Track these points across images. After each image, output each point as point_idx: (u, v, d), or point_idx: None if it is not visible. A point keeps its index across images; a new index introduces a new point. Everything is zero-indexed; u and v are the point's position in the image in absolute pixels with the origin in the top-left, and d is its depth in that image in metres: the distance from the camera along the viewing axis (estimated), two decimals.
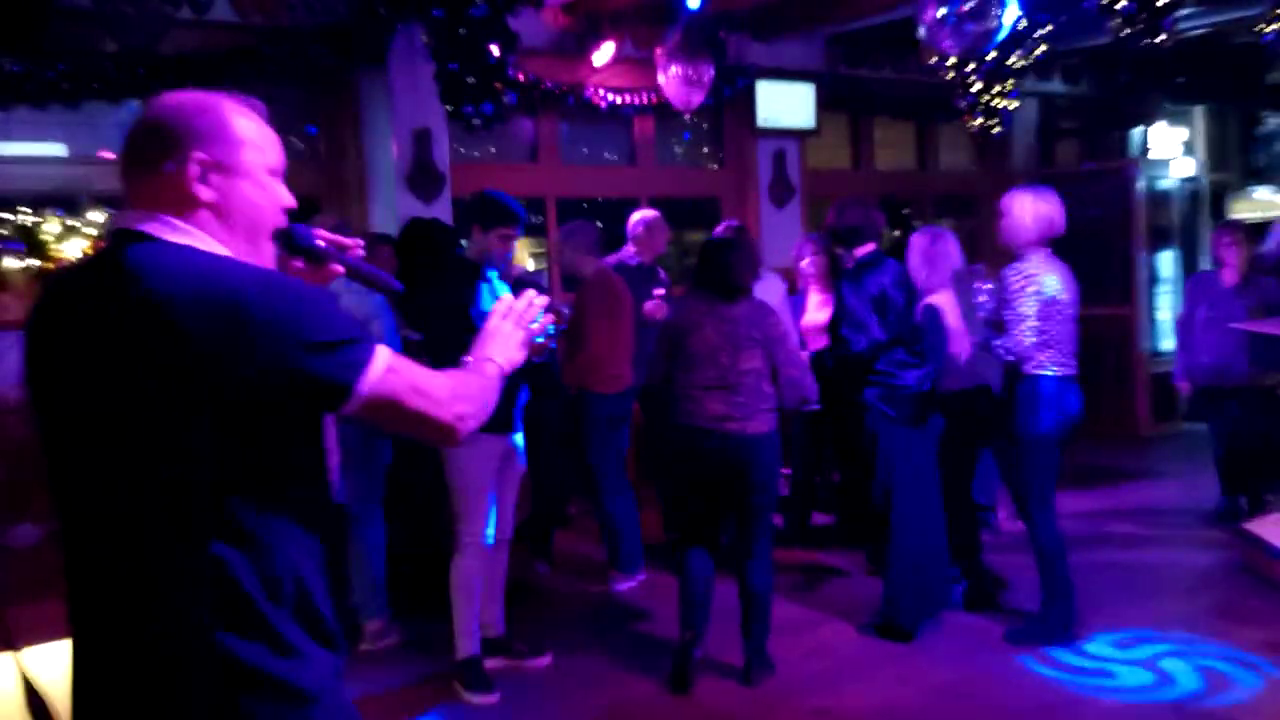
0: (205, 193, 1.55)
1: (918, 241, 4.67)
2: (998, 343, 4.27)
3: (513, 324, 1.86)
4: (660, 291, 5.50)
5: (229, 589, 1.46)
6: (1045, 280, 4.24)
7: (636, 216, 5.84)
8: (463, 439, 1.65)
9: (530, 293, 1.91)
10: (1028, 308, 4.19)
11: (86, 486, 1.53)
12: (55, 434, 1.57)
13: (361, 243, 1.85)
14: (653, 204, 7.28)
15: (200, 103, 1.60)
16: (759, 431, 4.01)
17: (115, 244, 1.51)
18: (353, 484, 4.50)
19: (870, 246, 4.74)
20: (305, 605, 1.55)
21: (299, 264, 1.78)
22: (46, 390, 1.55)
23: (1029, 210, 4.31)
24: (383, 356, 1.54)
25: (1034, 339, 4.19)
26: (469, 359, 1.78)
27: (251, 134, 1.61)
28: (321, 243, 1.77)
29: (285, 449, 1.54)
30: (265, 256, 1.64)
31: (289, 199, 1.67)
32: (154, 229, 1.52)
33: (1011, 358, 4.24)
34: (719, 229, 5.73)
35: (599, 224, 5.78)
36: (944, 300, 4.51)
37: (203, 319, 1.41)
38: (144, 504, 1.46)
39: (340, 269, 1.79)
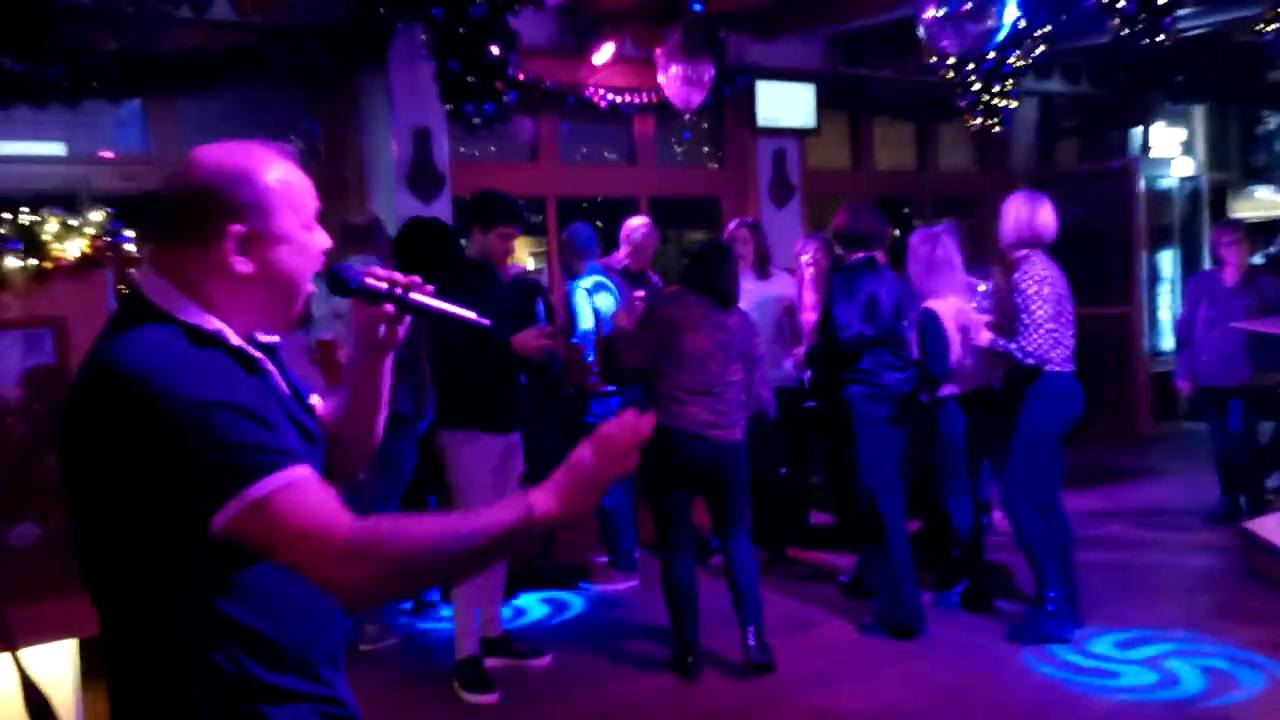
0: (243, 265, 1.47)
1: (918, 246, 4.68)
2: (1014, 346, 4.26)
3: (609, 463, 1.48)
4: (640, 294, 5.50)
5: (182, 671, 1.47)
6: (1050, 278, 4.28)
7: (635, 222, 5.83)
8: (356, 603, 1.45)
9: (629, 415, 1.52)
10: (1044, 310, 4.21)
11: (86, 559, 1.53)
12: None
13: (418, 281, 1.67)
14: (653, 204, 7.29)
15: (236, 169, 1.47)
16: (738, 439, 4.18)
17: (123, 308, 1.51)
18: (373, 489, 4.50)
19: (871, 253, 4.71)
20: (300, 663, 1.52)
21: (359, 310, 1.69)
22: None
23: (1010, 212, 4.39)
24: (289, 476, 1.37)
25: (1049, 343, 4.22)
26: (515, 501, 1.44)
27: (288, 193, 1.51)
28: (372, 281, 1.64)
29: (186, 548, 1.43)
30: (295, 310, 1.57)
31: (326, 240, 1.57)
32: (161, 302, 1.48)
33: (1031, 361, 4.23)
34: (732, 225, 5.70)
35: (599, 224, 5.78)
36: (944, 306, 4.52)
37: (96, 412, 1.40)
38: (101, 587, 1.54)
39: (390, 308, 1.66)
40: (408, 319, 1.70)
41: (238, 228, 1.45)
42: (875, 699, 3.96)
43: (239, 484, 1.33)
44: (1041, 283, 4.24)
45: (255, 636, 1.45)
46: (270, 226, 1.48)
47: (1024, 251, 4.35)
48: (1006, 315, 4.40)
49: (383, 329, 1.69)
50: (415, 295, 1.66)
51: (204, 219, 1.45)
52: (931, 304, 4.53)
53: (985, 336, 4.43)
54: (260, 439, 1.36)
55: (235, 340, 1.47)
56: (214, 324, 1.46)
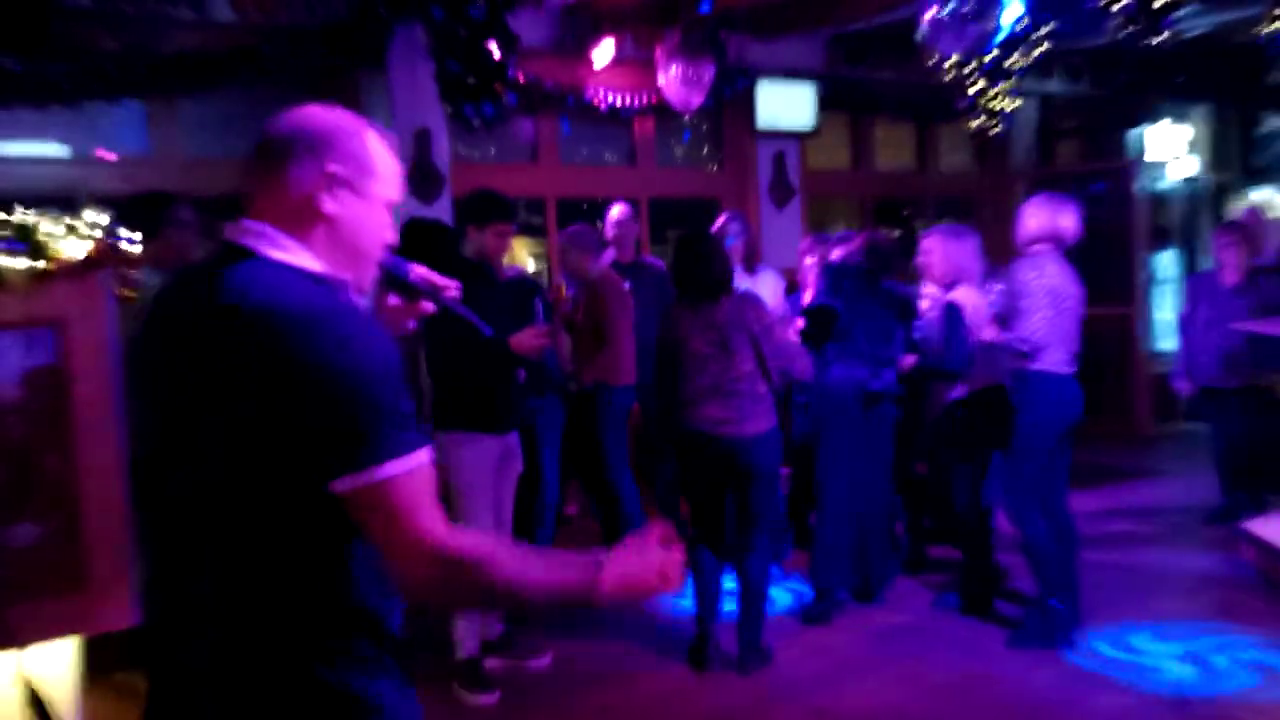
0: (329, 205, 1.52)
1: (939, 238, 4.73)
2: (1009, 335, 4.27)
3: (657, 582, 1.55)
4: (624, 286, 5.43)
5: (308, 611, 1.44)
6: (1055, 274, 4.27)
7: (612, 214, 5.89)
8: (415, 600, 1.48)
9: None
10: (1040, 299, 4.21)
11: (172, 499, 1.50)
12: (150, 444, 1.54)
13: (457, 284, 1.84)
14: (652, 205, 7.29)
15: (348, 124, 1.56)
16: (757, 432, 4.11)
17: (220, 256, 1.49)
18: None
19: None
20: (380, 629, 1.52)
21: (394, 299, 1.80)
22: (142, 399, 1.54)
23: (1028, 214, 4.39)
24: (416, 462, 1.39)
25: (1046, 329, 4.21)
26: (585, 561, 1.50)
27: (384, 167, 1.59)
28: (418, 278, 1.79)
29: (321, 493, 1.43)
30: (367, 279, 1.63)
31: (393, 234, 1.65)
32: (259, 245, 1.49)
33: (1026, 348, 4.23)
34: (720, 219, 5.72)
35: (599, 224, 5.78)
36: (964, 296, 4.56)
37: (271, 355, 1.36)
38: (210, 527, 1.45)
39: (430, 306, 1.79)
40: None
41: (335, 166, 1.51)
42: (875, 699, 3.96)
43: (371, 460, 1.35)
44: (1041, 274, 4.24)
45: (367, 598, 1.46)
46: (362, 184, 1.55)
47: (1039, 248, 4.34)
48: (1009, 309, 4.40)
49: (411, 323, 1.84)
50: (449, 297, 1.82)
51: (306, 152, 1.50)
52: (955, 297, 4.57)
53: (988, 331, 4.43)
54: (403, 412, 1.38)
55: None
56: (327, 271, 1.52)
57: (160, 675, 1.60)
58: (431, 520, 1.39)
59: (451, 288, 1.82)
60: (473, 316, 1.87)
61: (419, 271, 1.79)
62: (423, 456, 1.39)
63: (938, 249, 4.73)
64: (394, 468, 1.36)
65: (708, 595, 4.27)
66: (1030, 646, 4.30)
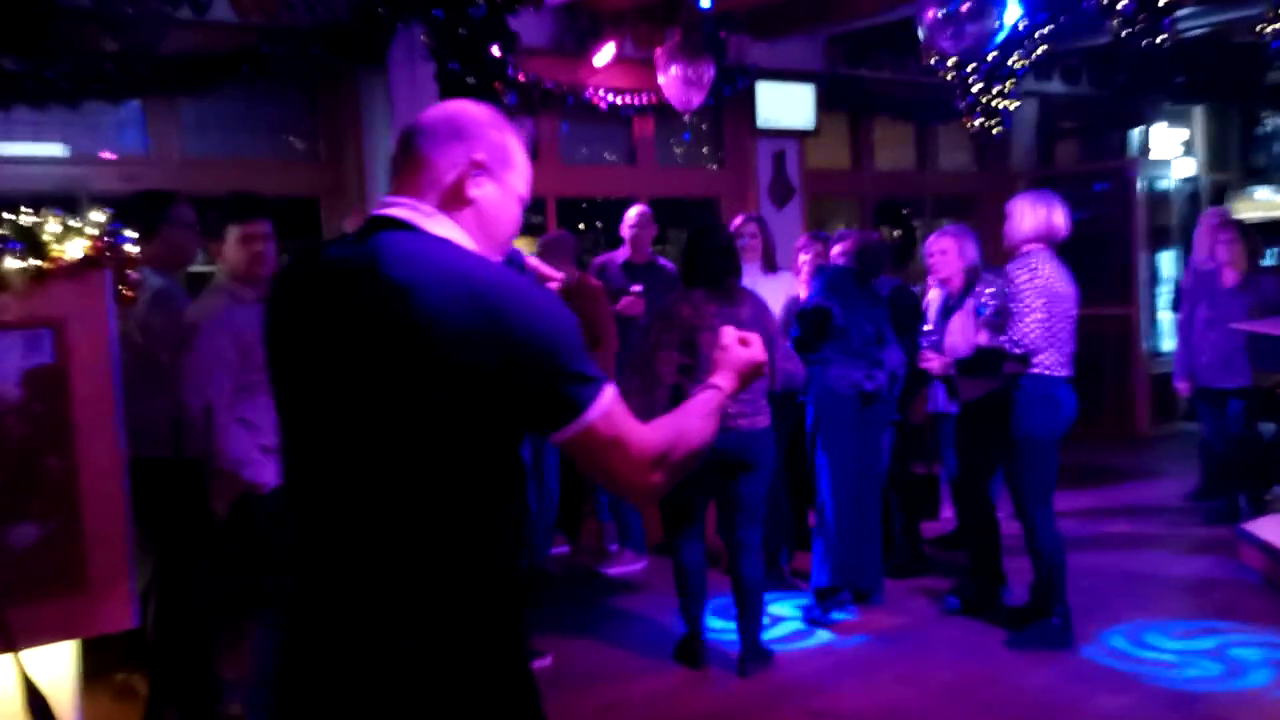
0: (474, 190, 1.62)
1: (953, 239, 4.78)
2: (1004, 337, 4.25)
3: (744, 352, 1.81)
4: (637, 288, 5.50)
5: (451, 585, 1.53)
6: (1050, 274, 4.25)
7: (630, 214, 5.90)
8: (651, 500, 1.66)
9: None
10: (1035, 301, 4.19)
11: (323, 460, 1.58)
12: (296, 404, 1.63)
13: (562, 276, 1.92)
14: (653, 204, 7.28)
15: (495, 119, 1.68)
16: (764, 426, 4.17)
17: (374, 228, 1.59)
18: None
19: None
20: (521, 596, 1.62)
21: None
22: (289, 362, 1.63)
23: (1027, 212, 4.35)
24: (609, 397, 1.54)
25: (1040, 332, 4.18)
26: (706, 390, 1.74)
27: (521, 163, 1.70)
28: (530, 269, 1.89)
29: (496, 454, 1.56)
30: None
31: (520, 223, 1.77)
32: (415, 218, 1.59)
33: (1019, 350, 4.21)
34: (739, 220, 5.65)
35: (599, 224, 5.78)
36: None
37: (463, 318, 1.45)
38: (373, 486, 1.52)
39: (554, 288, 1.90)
40: None
41: (482, 155, 1.63)
42: (875, 699, 3.96)
43: (584, 407, 1.51)
44: (1035, 274, 4.22)
45: (512, 566, 1.59)
46: (502, 174, 1.66)
47: (1031, 248, 4.33)
48: (1002, 312, 4.38)
49: None
50: (552, 288, 1.91)
51: (457, 141, 1.62)
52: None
53: (981, 335, 4.42)
54: (589, 364, 1.54)
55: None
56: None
57: (297, 646, 1.60)
58: (637, 436, 1.56)
59: (557, 279, 1.94)
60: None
61: (531, 263, 1.94)
62: (611, 389, 1.55)
63: (952, 249, 4.73)
64: (598, 408, 1.51)
65: (693, 593, 4.27)
66: (1033, 649, 4.30)
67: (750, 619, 4.23)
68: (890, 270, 5.10)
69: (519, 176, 1.69)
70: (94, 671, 3.32)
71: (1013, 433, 4.27)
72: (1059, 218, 4.34)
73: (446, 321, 1.45)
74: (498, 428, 1.52)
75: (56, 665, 2.95)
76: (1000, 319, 4.34)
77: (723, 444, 4.07)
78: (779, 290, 5.37)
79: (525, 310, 1.48)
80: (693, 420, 1.67)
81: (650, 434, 1.58)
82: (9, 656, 2.74)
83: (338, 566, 1.55)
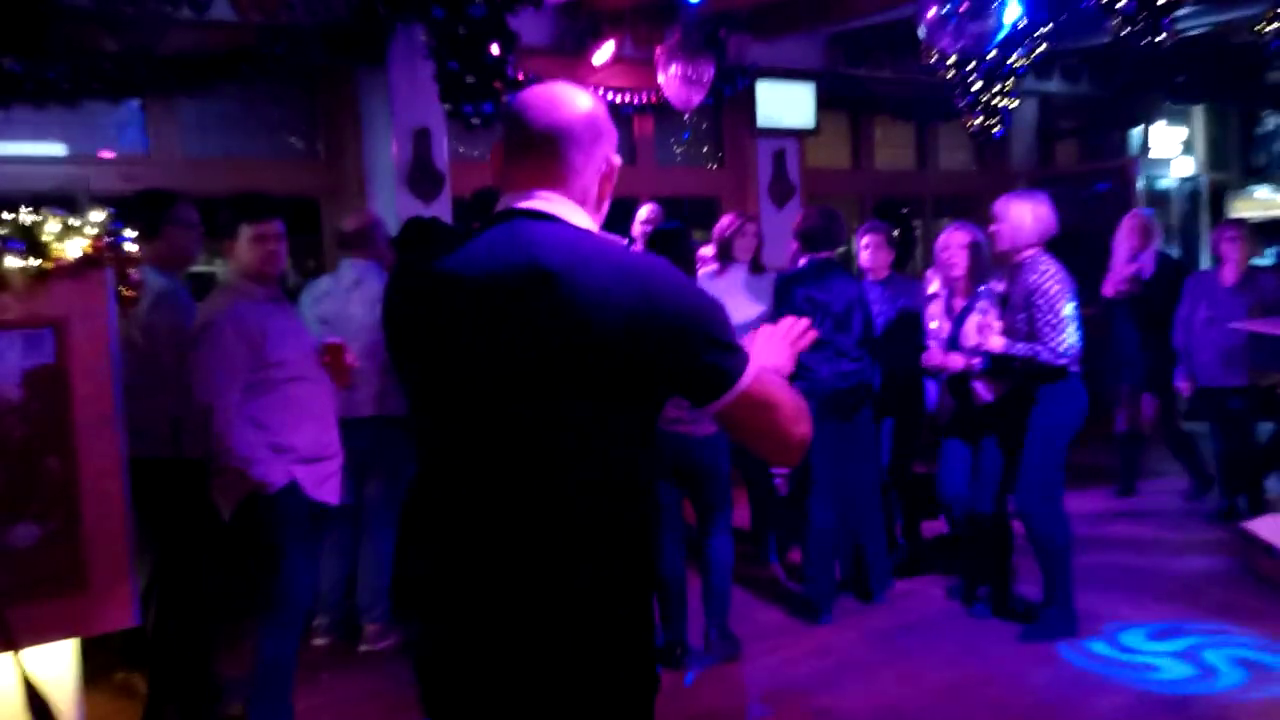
0: (604, 188, 1.77)
1: (968, 236, 4.74)
2: (1040, 348, 4.15)
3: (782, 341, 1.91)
4: None
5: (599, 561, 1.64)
6: (1065, 276, 4.26)
7: (641, 214, 5.88)
8: (802, 455, 1.73)
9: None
10: (1069, 307, 4.18)
11: (463, 434, 1.67)
12: (449, 385, 1.69)
13: None
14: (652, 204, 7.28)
15: (607, 113, 1.79)
16: (708, 433, 4.13)
17: (516, 218, 1.68)
18: (376, 490, 4.52)
19: (823, 255, 4.71)
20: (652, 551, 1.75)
21: None
22: (426, 343, 1.69)
23: (1029, 213, 4.32)
24: (755, 364, 1.67)
25: (1079, 338, 4.19)
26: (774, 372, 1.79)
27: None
28: None
29: (643, 429, 1.70)
30: None
31: None
32: (557, 210, 1.69)
33: (1064, 361, 4.15)
34: (732, 220, 5.59)
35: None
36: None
37: (621, 301, 1.56)
38: (542, 456, 1.63)
39: None
40: None
41: (614, 157, 1.78)
42: (875, 699, 3.96)
43: (734, 379, 1.63)
44: (1063, 281, 4.21)
45: (649, 523, 1.73)
46: (615, 168, 1.79)
47: (1033, 251, 4.31)
48: (1019, 319, 4.29)
49: None
50: None
51: (593, 139, 1.73)
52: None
53: (998, 342, 4.31)
54: (734, 335, 1.66)
55: None
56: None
57: (445, 611, 1.72)
58: (785, 394, 1.70)
59: None
60: None
61: None
62: (749, 359, 1.67)
63: (968, 248, 4.70)
64: (750, 374, 1.64)
65: (672, 590, 4.25)
66: (1041, 641, 4.31)
67: (716, 600, 4.26)
68: (843, 242, 4.94)
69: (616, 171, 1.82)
70: (94, 671, 3.32)
71: (1033, 424, 4.27)
72: (1054, 215, 4.36)
73: (605, 304, 1.55)
74: (650, 401, 1.67)
75: (57, 664, 2.95)
76: (1012, 325, 4.33)
77: (667, 448, 4.09)
78: (765, 291, 5.35)
79: (675, 291, 1.61)
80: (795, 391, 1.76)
81: (789, 391, 1.71)
82: (9, 656, 2.74)
83: (503, 538, 1.63)
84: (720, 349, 1.62)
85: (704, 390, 1.64)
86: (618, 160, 1.77)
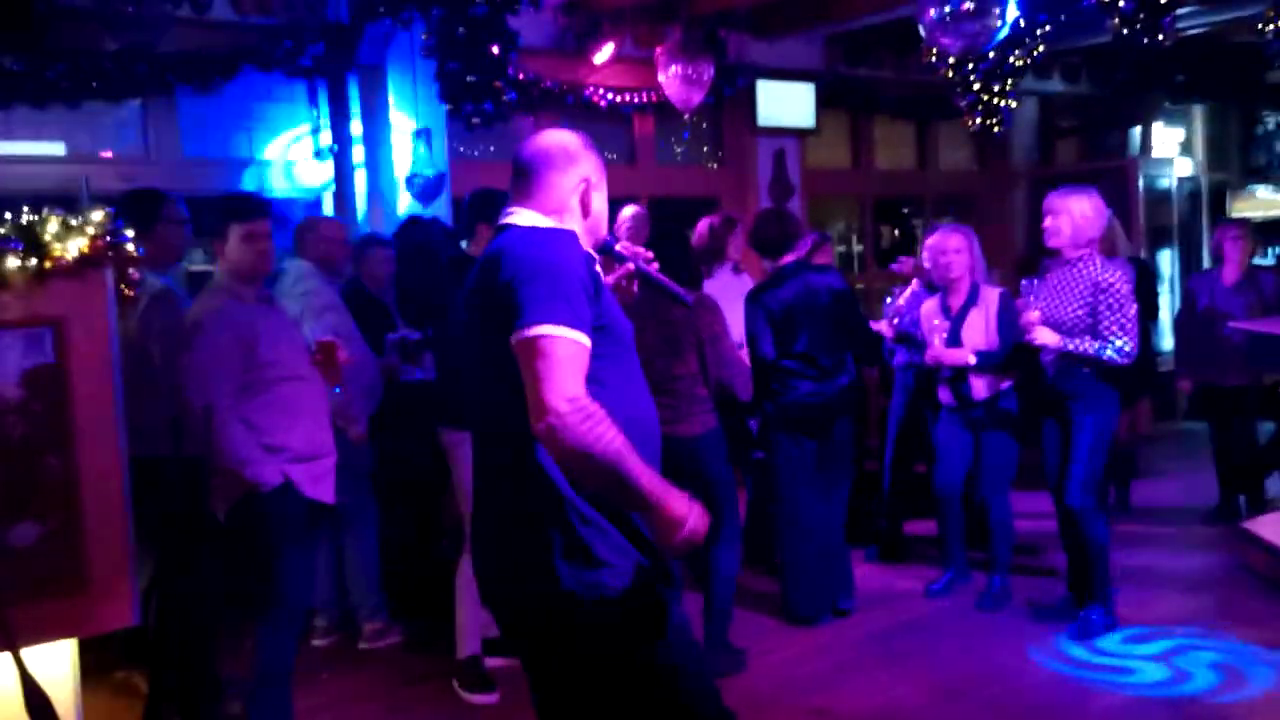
0: (583, 204, 2.23)
1: (965, 238, 4.78)
2: (1108, 348, 4.12)
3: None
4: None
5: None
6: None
7: (624, 213, 5.84)
8: (542, 432, 1.93)
9: None
10: (1132, 303, 4.19)
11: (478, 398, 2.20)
12: (465, 355, 2.24)
13: (651, 255, 2.44)
14: (652, 204, 7.29)
15: (589, 143, 2.28)
16: (694, 433, 4.07)
17: (505, 231, 2.17)
18: (342, 486, 4.52)
19: (786, 258, 4.68)
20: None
21: (609, 276, 2.35)
22: (464, 324, 2.21)
23: (1089, 208, 4.25)
24: (555, 333, 1.95)
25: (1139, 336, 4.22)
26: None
27: (603, 175, 2.29)
28: (619, 248, 2.41)
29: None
30: (592, 244, 2.27)
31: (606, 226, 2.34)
32: (515, 219, 2.19)
33: (1126, 360, 4.14)
34: (713, 221, 5.53)
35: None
36: (991, 294, 4.72)
37: (505, 263, 2.04)
38: (494, 413, 2.15)
39: (631, 266, 2.39)
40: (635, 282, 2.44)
41: (587, 178, 2.23)
42: (875, 699, 3.96)
43: (530, 321, 1.96)
44: (1127, 281, 4.21)
45: None
46: (599, 184, 2.27)
47: (1089, 248, 4.27)
48: (1074, 314, 4.24)
49: (624, 283, 2.41)
50: (644, 263, 2.43)
51: (569, 165, 2.22)
52: (991, 291, 4.73)
53: (1051, 337, 4.22)
54: (560, 302, 1.97)
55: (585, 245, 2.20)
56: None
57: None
58: (565, 380, 1.95)
59: (647, 256, 2.43)
60: (668, 282, 2.52)
61: (624, 244, 2.44)
62: (569, 333, 1.97)
63: (965, 249, 4.72)
64: (541, 330, 1.97)
65: None
66: (1079, 640, 4.34)
67: (716, 613, 4.19)
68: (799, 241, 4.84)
69: (603, 188, 2.29)
70: (94, 670, 3.32)
71: (1081, 424, 4.27)
72: (1105, 215, 4.40)
73: (503, 265, 2.04)
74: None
75: (57, 664, 2.95)
76: (1067, 320, 4.30)
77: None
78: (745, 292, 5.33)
79: (530, 252, 2.05)
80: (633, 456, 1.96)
81: (580, 392, 1.94)
82: (9, 655, 2.74)
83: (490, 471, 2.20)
84: (537, 298, 1.96)
85: (508, 320, 1.99)
86: (594, 182, 2.24)
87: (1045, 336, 4.23)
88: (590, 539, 2.03)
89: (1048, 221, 4.32)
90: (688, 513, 1.96)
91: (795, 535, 4.68)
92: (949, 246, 4.73)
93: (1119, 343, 4.12)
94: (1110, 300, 4.15)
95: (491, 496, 2.18)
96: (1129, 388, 5.02)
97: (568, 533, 2.02)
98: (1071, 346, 4.18)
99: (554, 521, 2.03)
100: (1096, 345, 4.15)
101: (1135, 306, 4.20)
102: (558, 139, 2.25)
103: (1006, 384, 4.72)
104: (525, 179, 2.23)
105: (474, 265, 2.20)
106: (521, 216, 2.20)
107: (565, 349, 1.94)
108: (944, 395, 4.85)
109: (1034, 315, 4.27)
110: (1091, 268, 4.23)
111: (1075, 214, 4.24)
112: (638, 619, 2.06)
